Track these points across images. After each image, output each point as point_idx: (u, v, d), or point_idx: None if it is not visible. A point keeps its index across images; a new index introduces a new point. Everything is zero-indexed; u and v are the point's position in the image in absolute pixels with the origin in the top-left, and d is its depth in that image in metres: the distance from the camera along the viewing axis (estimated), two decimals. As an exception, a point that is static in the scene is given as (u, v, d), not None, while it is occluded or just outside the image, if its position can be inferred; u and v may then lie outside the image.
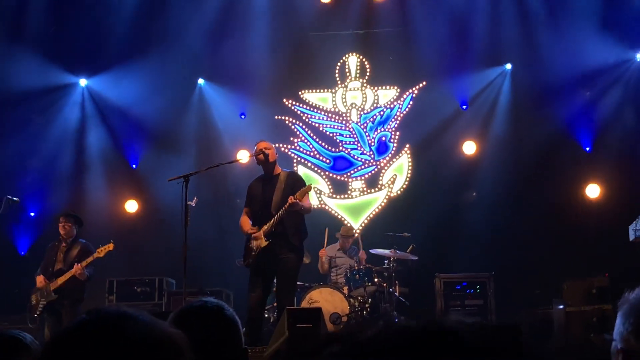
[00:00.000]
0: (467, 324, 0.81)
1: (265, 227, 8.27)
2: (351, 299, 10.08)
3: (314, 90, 13.14)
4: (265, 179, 8.55)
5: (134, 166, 13.12)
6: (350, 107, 13.06)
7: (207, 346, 2.52)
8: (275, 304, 9.81)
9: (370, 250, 10.99)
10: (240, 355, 2.66)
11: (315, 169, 12.97)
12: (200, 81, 13.31)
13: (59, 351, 1.26)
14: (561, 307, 10.33)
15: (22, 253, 12.49)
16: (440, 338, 0.77)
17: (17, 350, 2.37)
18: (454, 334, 0.78)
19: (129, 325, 1.28)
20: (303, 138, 13.03)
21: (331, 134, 13.06)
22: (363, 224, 12.60)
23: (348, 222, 12.36)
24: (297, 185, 8.52)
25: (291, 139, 13.01)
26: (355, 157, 12.98)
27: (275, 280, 8.54)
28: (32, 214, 12.63)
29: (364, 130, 12.99)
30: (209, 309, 2.64)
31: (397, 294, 10.71)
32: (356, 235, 11.67)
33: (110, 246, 9.47)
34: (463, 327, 0.80)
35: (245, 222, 8.50)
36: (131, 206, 12.93)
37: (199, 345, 2.51)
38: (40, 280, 9.56)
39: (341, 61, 13.14)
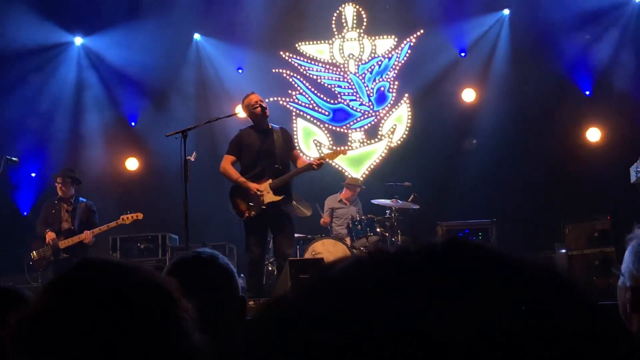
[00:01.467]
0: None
1: (273, 182, 8.18)
2: (354, 250, 10.10)
3: (311, 42, 13.05)
4: (260, 132, 8.42)
5: (133, 124, 13.08)
6: (347, 58, 12.98)
7: (203, 295, 2.52)
8: (273, 258, 9.92)
9: (371, 201, 10.99)
10: (238, 304, 2.65)
11: (315, 121, 12.93)
12: (197, 36, 13.20)
13: (48, 299, 1.25)
14: (563, 251, 10.36)
15: (25, 213, 12.51)
16: (471, 254, 0.73)
17: (16, 302, 2.36)
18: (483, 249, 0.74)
19: (115, 272, 1.27)
20: (301, 90, 12.96)
21: (329, 86, 13.00)
22: (364, 175, 12.60)
23: (349, 174, 12.35)
24: (292, 142, 8.66)
25: (289, 91, 12.95)
26: (354, 108, 12.93)
27: (271, 233, 8.49)
28: (33, 174, 12.62)
29: (362, 81, 12.92)
30: (203, 259, 2.63)
31: (399, 243, 10.72)
32: (363, 187, 11.66)
33: (140, 215, 9.65)
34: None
35: (235, 171, 8.35)
36: (131, 164, 12.92)
37: (194, 295, 2.51)
38: (50, 236, 9.55)
39: (337, 11, 13.02)
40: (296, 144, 12.48)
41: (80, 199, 9.86)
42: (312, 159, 8.41)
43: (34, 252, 9.67)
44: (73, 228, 9.63)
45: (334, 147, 12.58)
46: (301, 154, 8.76)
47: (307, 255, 9.91)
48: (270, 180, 8.21)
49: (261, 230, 8.30)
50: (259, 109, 8.38)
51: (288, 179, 8.25)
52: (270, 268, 10.25)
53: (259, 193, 8.13)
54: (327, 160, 8.59)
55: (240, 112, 11.14)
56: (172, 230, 11.39)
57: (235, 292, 2.65)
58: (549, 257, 10.44)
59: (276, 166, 8.24)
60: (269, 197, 8.16)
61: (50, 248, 9.55)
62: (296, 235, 10.33)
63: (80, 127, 12.87)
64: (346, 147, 8.72)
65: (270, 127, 8.48)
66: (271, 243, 10.25)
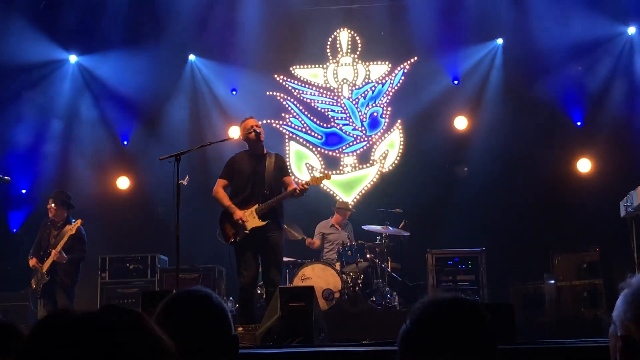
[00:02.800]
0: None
1: (259, 207, 8.22)
2: (343, 275, 10.11)
3: (305, 66, 13.10)
4: (253, 157, 8.47)
5: (125, 143, 13.07)
6: (341, 83, 13.04)
7: (195, 334, 2.53)
8: (261, 282, 9.87)
9: (362, 226, 11.01)
10: (231, 342, 2.66)
11: (307, 144, 12.96)
12: (192, 57, 13.23)
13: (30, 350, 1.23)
14: (552, 281, 10.40)
15: (14, 230, 12.47)
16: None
17: (11, 337, 2.36)
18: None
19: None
20: (294, 114, 13.00)
21: (323, 110, 13.04)
22: (355, 200, 12.62)
23: (340, 198, 12.37)
24: (285, 168, 8.68)
25: (282, 114, 12.98)
26: (347, 132, 12.97)
27: (260, 258, 8.48)
28: (24, 191, 12.58)
29: (356, 105, 12.97)
30: (196, 298, 2.64)
31: (389, 269, 10.75)
32: (353, 210, 11.68)
33: (79, 222, 9.48)
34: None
35: (225, 196, 8.38)
36: (122, 183, 12.89)
37: (187, 334, 2.52)
38: (32, 262, 9.56)
39: (332, 36, 13.09)
40: (289, 170, 12.55)
41: (72, 220, 9.75)
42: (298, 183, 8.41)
43: (32, 280, 9.61)
44: (51, 250, 9.46)
45: (321, 172, 12.56)
46: (294, 181, 8.75)
47: (297, 280, 9.93)
48: (256, 205, 8.25)
49: (249, 255, 8.28)
50: (253, 133, 8.42)
51: (273, 204, 8.26)
52: (259, 291, 10.22)
53: (240, 222, 8.18)
54: (312, 184, 8.58)
55: (234, 135, 11.24)
56: (161, 251, 11.38)
57: (228, 331, 2.65)
58: (538, 287, 10.49)
59: (265, 192, 8.27)
60: (254, 222, 8.21)
61: (37, 273, 9.52)
62: (286, 259, 10.37)
63: (72, 145, 12.84)
64: (330, 172, 8.83)
65: (265, 152, 8.53)
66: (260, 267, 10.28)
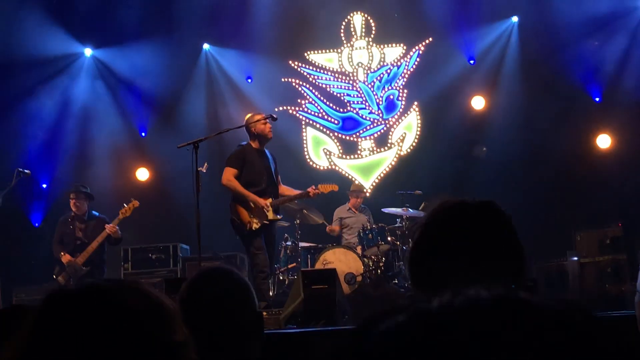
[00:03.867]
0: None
1: (273, 201, 8.55)
2: (365, 259, 10.10)
3: (320, 51, 13.07)
4: (259, 151, 8.70)
5: (143, 134, 13.11)
6: (356, 67, 13.00)
7: (220, 310, 2.53)
8: (284, 267, 10.11)
9: (382, 209, 10.99)
10: (255, 319, 2.66)
11: (324, 130, 12.94)
12: (206, 46, 13.24)
13: (43, 320, 1.27)
14: (575, 258, 10.34)
15: (37, 224, 12.55)
16: (515, 307, 0.75)
17: (23, 318, 2.37)
18: (527, 303, 0.76)
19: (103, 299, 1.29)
20: (310, 99, 12.98)
21: (339, 95, 13.01)
22: (374, 184, 12.60)
23: (359, 182, 12.36)
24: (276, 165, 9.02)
25: (298, 100, 12.97)
26: (364, 116, 12.94)
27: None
28: (44, 185, 12.65)
29: (372, 89, 12.93)
30: (219, 273, 2.65)
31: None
32: (367, 192, 11.66)
33: (136, 203, 9.81)
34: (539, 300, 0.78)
35: (240, 185, 8.55)
36: (142, 174, 12.93)
37: (212, 310, 2.53)
38: (67, 258, 9.71)
39: (346, 20, 13.04)
40: (306, 153, 12.61)
41: (94, 212, 10.02)
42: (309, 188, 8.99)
43: (59, 277, 9.79)
44: (87, 241, 9.77)
45: (344, 156, 12.61)
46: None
47: (318, 265, 9.93)
48: (270, 199, 8.50)
49: (260, 242, 8.50)
50: (269, 131, 8.65)
51: (287, 201, 8.87)
52: (281, 277, 10.26)
53: (265, 209, 8.44)
54: (322, 191, 9.11)
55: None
56: (183, 240, 11.41)
57: (252, 306, 2.66)
58: (561, 264, 10.44)
59: (275, 187, 8.67)
60: (271, 214, 8.51)
61: (70, 268, 9.69)
62: (307, 244, 10.47)
63: (90, 138, 12.88)
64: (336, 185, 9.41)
65: (264, 149, 8.78)
66: (282, 252, 10.35)
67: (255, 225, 8.40)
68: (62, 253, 9.77)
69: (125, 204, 9.82)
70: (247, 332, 2.61)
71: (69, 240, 9.86)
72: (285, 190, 8.93)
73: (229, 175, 8.54)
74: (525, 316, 0.72)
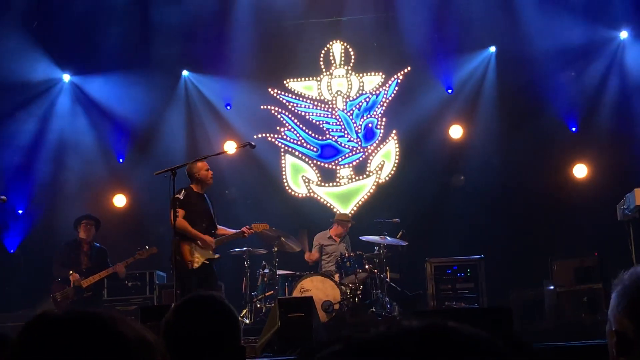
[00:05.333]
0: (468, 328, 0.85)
1: (215, 241, 8.90)
2: (342, 287, 10.07)
3: (299, 79, 13.11)
4: (199, 195, 8.94)
5: (121, 160, 13.05)
6: (335, 95, 13.05)
7: (204, 339, 2.51)
8: (262, 295, 10.10)
9: (360, 237, 10.98)
10: (237, 353, 2.64)
11: (303, 157, 12.95)
12: (185, 73, 13.24)
13: (23, 343, 1.26)
14: (552, 287, 10.38)
15: (11, 250, 12.42)
16: (444, 337, 0.79)
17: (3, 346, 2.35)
18: (457, 333, 0.80)
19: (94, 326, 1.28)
20: (289, 127, 13.00)
21: (318, 122, 13.05)
22: (352, 211, 12.60)
23: (337, 210, 12.37)
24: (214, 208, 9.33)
25: (277, 128, 12.98)
26: (343, 144, 12.97)
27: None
28: (20, 211, 12.54)
29: (350, 117, 12.98)
30: (209, 303, 2.63)
31: (388, 279, 10.71)
32: (353, 223, 11.65)
33: (154, 249, 10.22)
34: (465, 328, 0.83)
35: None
36: (119, 200, 12.86)
37: (198, 339, 2.50)
38: (75, 277, 10.03)
39: (325, 49, 13.10)
40: (284, 181, 12.61)
41: (95, 243, 10.57)
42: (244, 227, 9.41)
43: (57, 294, 10.00)
44: (94, 268, 10.17)
45: (322, 183, 12.63)
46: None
47: (296, 292, 9.89)
48: (214, 240, 8.93)
49: (197, 280, 8.63)
50: (211, 178, 9.00)
51: (225, 241, 9.20)
52: (258, 305, 10.21)
53: (204, 250, 8.76)
54: (255, 231, 9.56)
55: (230, 149, 11.33)
56: (159, 268, 11.33)
57: (236, 339, 2.63)
58: (537, 293, 10.47)
59: (215, 228, 9.04)
60: (211, 255, 8.85)
61: (74, 288, 9.98)
62: (284, 272, 10.42)
63: (67, 163, 12.78)
64: (266, 224, 9.80)
65: (204, 193, 9.10)
66: (260, 280, 10.32)
67: (196, 265, 8.64)
68: (70, 272, 10.04)
69: (147, 247, 10.19)
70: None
71: (73, 262, 10.20)
72: (221, 230, 9.27)
73: (180, 217, 8.66)
74: (449, 343, 0.77)
